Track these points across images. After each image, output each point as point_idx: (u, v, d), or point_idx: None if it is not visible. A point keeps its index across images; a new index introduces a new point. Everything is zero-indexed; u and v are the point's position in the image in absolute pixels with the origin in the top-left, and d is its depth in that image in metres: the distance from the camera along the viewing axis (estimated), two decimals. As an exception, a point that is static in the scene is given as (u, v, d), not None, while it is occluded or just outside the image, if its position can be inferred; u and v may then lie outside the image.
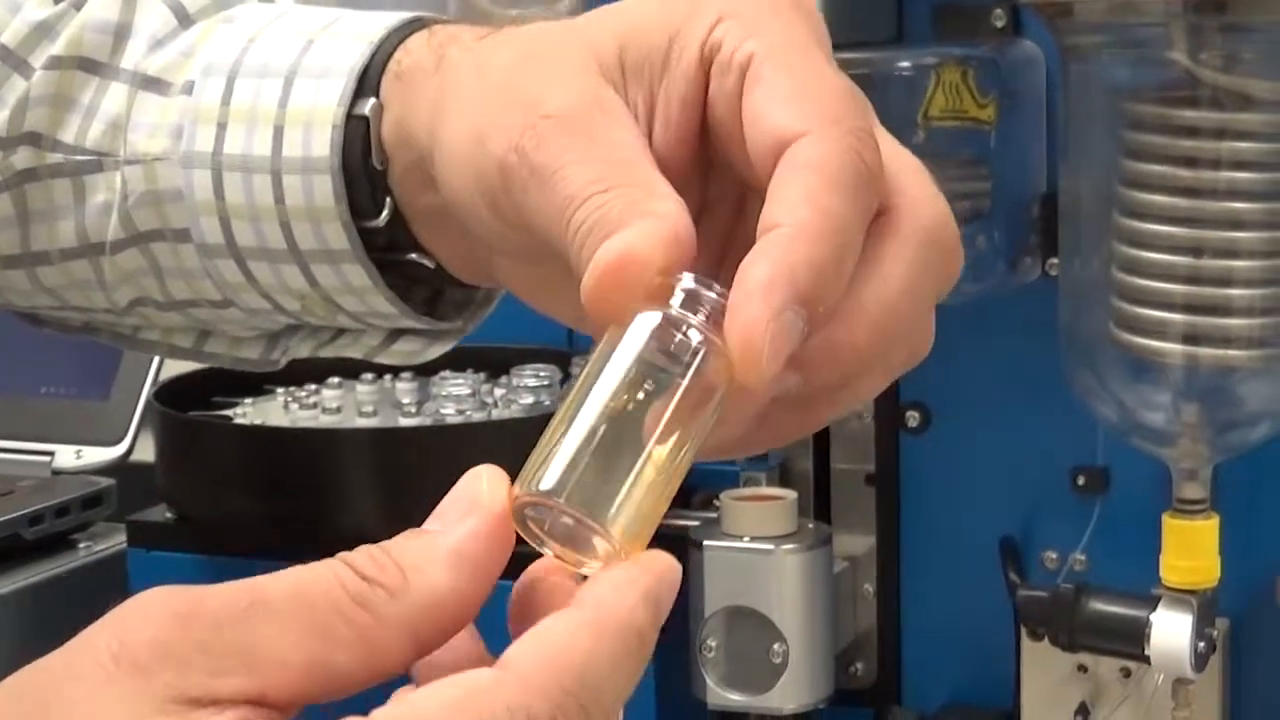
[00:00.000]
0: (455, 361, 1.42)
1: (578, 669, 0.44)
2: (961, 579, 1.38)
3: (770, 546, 1.28)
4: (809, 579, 1.28)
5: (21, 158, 0.72)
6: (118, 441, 1.51)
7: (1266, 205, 1.14)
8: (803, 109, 0.52)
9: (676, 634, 1.24)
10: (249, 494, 1.32)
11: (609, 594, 0.45)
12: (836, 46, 0.56)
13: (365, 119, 0.64)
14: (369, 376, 1.41)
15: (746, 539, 1.28)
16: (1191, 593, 1.19)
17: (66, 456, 1.51)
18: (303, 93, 0.66)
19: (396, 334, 0.70)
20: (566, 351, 1.42)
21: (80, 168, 0.71)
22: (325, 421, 1.38)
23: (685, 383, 0.48)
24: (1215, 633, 1.21)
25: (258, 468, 1.32)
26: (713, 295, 0.49)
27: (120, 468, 1.50)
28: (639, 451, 0.47)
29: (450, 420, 1.36)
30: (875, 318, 0.51)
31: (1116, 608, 1.22)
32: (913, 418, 1.38)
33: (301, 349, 0.73)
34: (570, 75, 0.55)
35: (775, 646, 1.27)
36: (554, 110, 0.54)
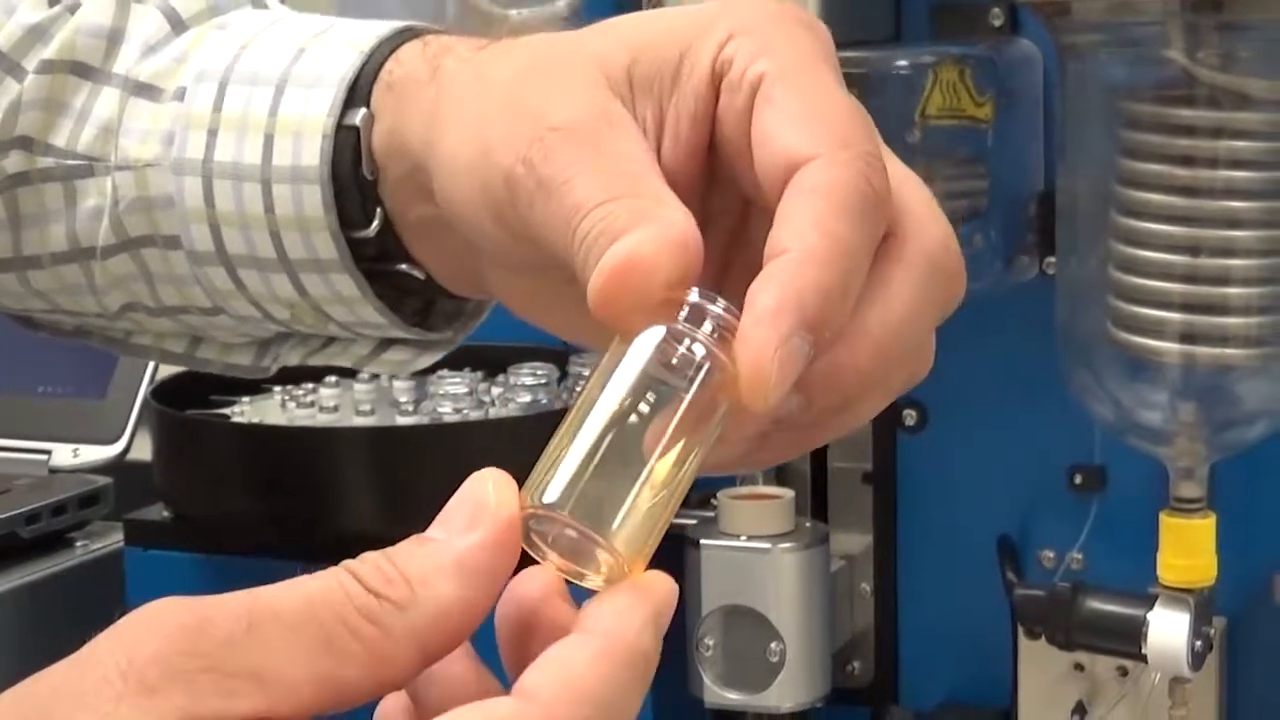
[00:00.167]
0: (453, 360, 1.41)
1: (596, 697, 0.44)
2: (958, 578, 1.38)
3: (767, 545, 1.28)
4: (806, 578, 1.28)
5: (13, 161, 0.72)
6: (115, 440, 1.51)
7: (1263, 204, 1.14)
8: (812, 131, 0.51)
9: (673, 633, 1.23)
10: (246, 493, 1.32)
11: (618, 620, 0.45)
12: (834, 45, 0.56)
13: (356, 129, 0.64)
14: (366, 375, 1.41)
15: (743, 538, 1.28)
16: (1188, 591, 1.19)
17: (63, 455, 1.51)
18: (293, 102, 0.66)
19: (386, 343, 0.70)
20: (564, 350, 1.42)
21: (71, 172, 0.71)
22: (323, 420, 1.39)
23: (690, 396, 0.48)
24: (1212, 631, 1.21)
25: (255, 466, 1.32)
26: (718, 310, 0.49)
27: (117, 466, 1.50)
28: (643, 464, 0.47)
29: (448, 419, 1.36)
30: (878, 342, 0.51)
31: (1113, 606, 1.22)
32: (910, 416, 1.38)
33: (292, 356, 0.73)
34: (577, 88, 0.55)
35: (772, 645, 1.27)
36: (561, 122, 0.54)
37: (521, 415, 1.34)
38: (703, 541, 1.28)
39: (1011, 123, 1.28)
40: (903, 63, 1.24)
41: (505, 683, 0.46)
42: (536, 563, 0.48)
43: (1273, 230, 1.14)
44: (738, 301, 0.49)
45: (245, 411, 1.40)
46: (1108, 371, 1.19)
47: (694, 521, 1.30)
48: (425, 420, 1.36)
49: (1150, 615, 1.19)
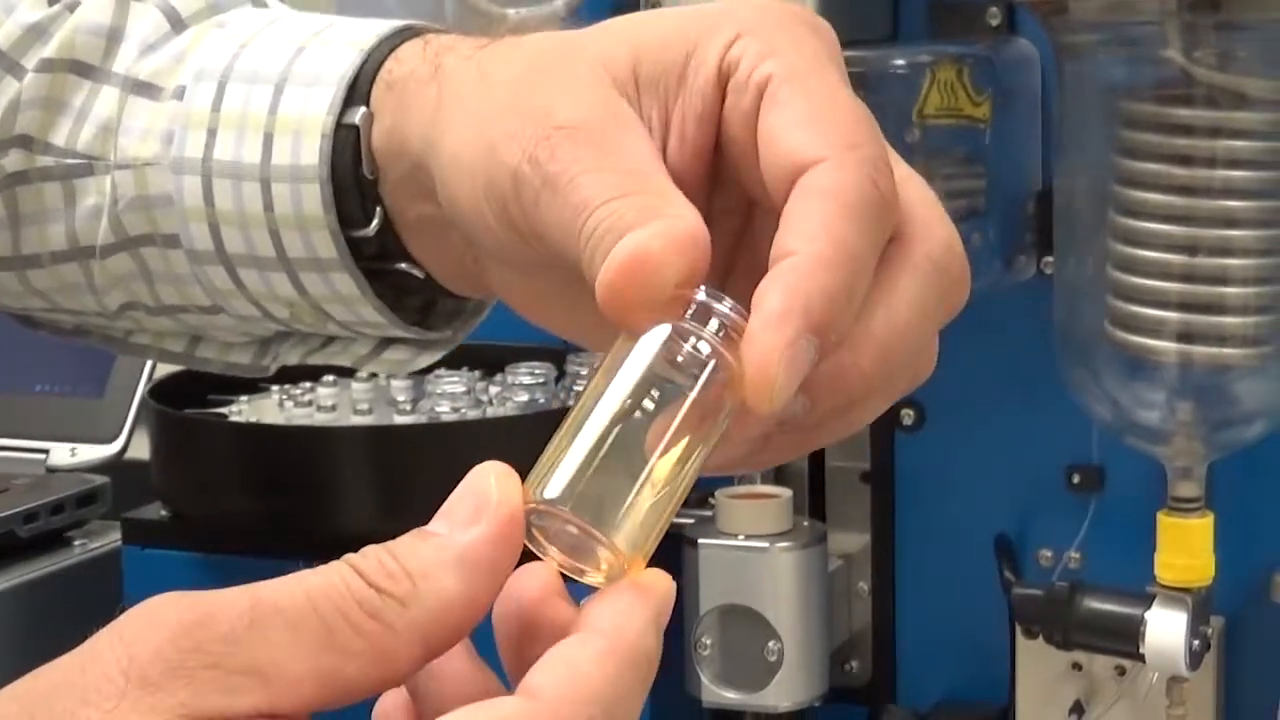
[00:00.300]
0: (451, 360, 1.40)
1: (601, 697, 0.44)
2: (956, 577, 1.38)
3: (765, 544, 1.28)
4: (804, 577, 1.29)
5: (12, 160, 0.72)
6: (112, 439, 1.51)
7: (1261, 203, 1.14)
8: (819, 133, 0.51)
9: (671, 632, 1.23)
10: (244, 491, 1.32)
11: (622, 619, 0.45)
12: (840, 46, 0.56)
13: (355, 128, 0.64)
14: (364, 374, 1.41)
15: (741, 537, 1.28)
16: (1186, 591, 1.19)
17: (61, 454, 1.51)
18: (292, 100, 0.66)
19: (386, 343, 0.70)
20: (562, 350, 1.42)
21: (71, 171, 0.71)
22: (320, 419, 1.39)
23: (694, 395, 0.48)
24: (1210, 630, 1.21)
25: (253, 465, 1.32)
26: (725, 309, 0.49)
27: (115, 465, 1.50)
28: (645, 462, 0.47)
29: (445, 418, 1.36)
30: (883, 344, 0.51)
31: (1111, 606, 1.22)
32: (907, 415, 1.38)
33: (291, 355, 0.73)
34: (582, 87, 0.55)
35: (770, 644, 1.27)
36: (567, 120, 0.54)
37: (519, 414, 1.34)
38: (700, 541, 1.28)
39: (1009, 122, 1.28)
40: (900, 62, 1.24)
41: (504, 679, 0.46)
42: (536, 557, 0.48)
43: (1270, 229, 1.15)
44: (743, 302, 0.49)
45: (243, 411, 1.40)
46: (1106, 371, 1.19)
47: (692, 521, 1.30)
48: (423, 419, 1.36)
49: (1148, 614, 1.19)
